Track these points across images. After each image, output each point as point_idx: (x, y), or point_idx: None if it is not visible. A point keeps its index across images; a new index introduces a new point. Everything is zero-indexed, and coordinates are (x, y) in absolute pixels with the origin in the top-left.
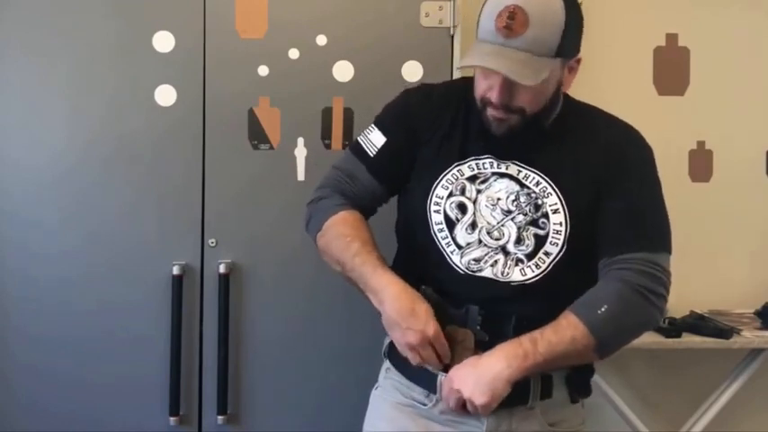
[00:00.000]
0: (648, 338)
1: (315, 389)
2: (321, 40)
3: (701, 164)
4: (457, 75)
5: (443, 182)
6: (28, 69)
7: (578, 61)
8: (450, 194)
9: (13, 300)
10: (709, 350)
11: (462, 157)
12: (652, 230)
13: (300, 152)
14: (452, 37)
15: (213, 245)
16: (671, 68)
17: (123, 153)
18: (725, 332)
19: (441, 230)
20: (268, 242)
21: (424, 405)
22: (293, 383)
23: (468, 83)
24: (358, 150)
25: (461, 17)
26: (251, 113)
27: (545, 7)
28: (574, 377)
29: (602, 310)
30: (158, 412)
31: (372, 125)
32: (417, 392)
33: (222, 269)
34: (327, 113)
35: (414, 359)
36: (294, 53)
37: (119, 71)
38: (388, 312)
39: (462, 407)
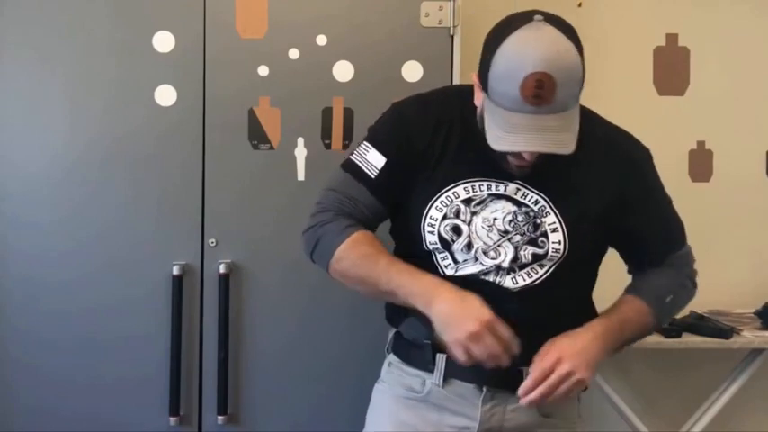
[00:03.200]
0: (649, 338)
1: (315, 389)
2: (321, 40)
3: (701, 164)
4: (456, 75)
5: (437, 203)
6: (28, 69)
7: None
8: (445, 217)
9: (13, 300)
10: (709, 350)
11: (456, 178)
12: (678, 228)
13: (300, 152)
14: (452, 37)
15: (213, 245)
16: (671, 68)
17: (123, 153)
18: (725, 332)
19: (436, 249)
20: (268, 242)
21: (419, 393)
22: (293, 383)
23: (462, 93)
24: (357, 172)
25: (461, 17)
26: (251, 113)
27: (567, 64)
28: None
29: (669, 299)
30: (158, 412)
31: (367, 143)
32: (414, 383)
33: (222, 269)
34: (327, 113)
35: (477, 351)
36: (294, 53)
37: (119, 71)
38: (439, 308)
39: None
